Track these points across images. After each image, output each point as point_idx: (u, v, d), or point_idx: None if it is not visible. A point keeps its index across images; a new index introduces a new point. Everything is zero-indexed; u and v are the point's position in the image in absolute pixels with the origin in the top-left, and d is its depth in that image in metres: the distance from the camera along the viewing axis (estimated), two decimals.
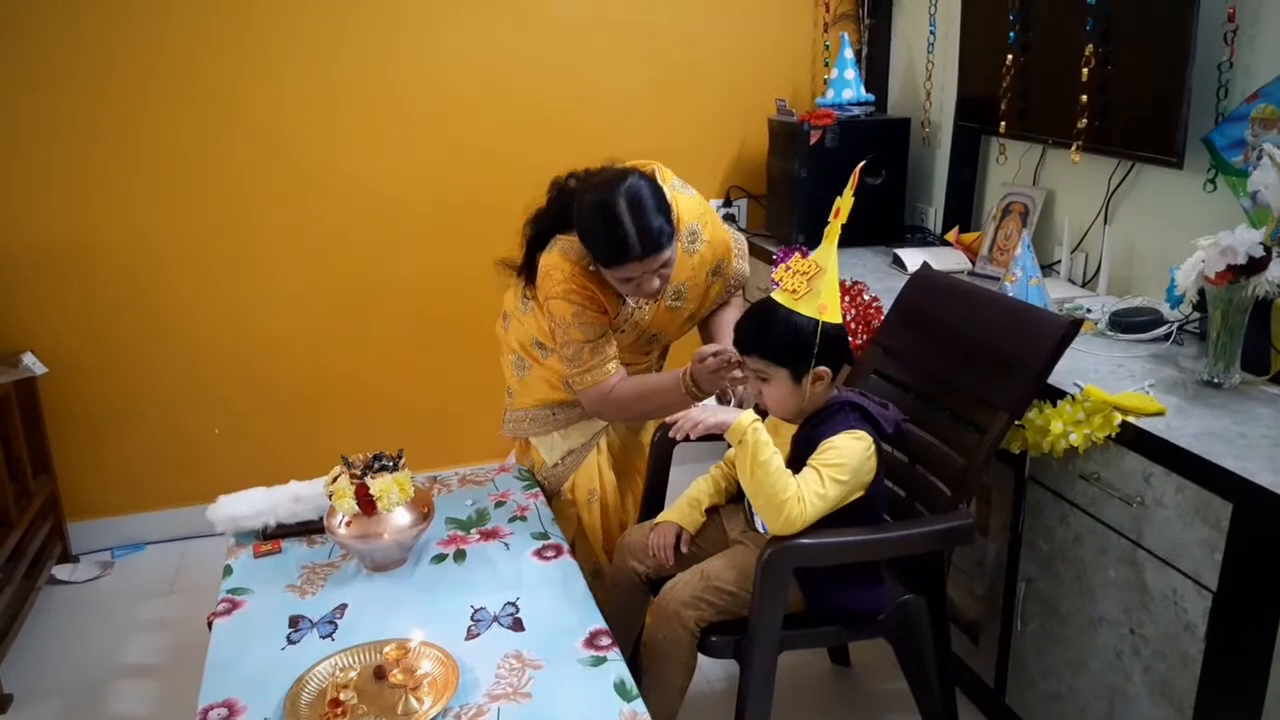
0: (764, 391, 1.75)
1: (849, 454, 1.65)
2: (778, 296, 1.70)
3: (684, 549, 1.91)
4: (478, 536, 1.95)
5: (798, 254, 1.72)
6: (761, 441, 1.62)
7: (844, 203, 1.66)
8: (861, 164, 1.76)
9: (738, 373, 1.86)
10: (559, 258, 1.97)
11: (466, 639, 1.61)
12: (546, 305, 1.99)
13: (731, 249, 2.17)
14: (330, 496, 1.81)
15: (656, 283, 1.91)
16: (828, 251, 1.67)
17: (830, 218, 1.67)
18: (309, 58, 2.84)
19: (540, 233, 2.04)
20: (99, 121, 2.73)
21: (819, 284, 1.66)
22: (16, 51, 2.62)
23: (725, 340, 2.05)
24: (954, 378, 1.92)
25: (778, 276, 1.73)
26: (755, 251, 3.12)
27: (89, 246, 2.80)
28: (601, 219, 1.85)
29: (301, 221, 2.96)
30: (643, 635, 1.87)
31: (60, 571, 2.85)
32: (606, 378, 2.00)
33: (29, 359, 2.69)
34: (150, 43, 2.71)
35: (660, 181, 1.99)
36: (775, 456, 1.62)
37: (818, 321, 1.65)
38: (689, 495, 1.98)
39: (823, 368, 1.70)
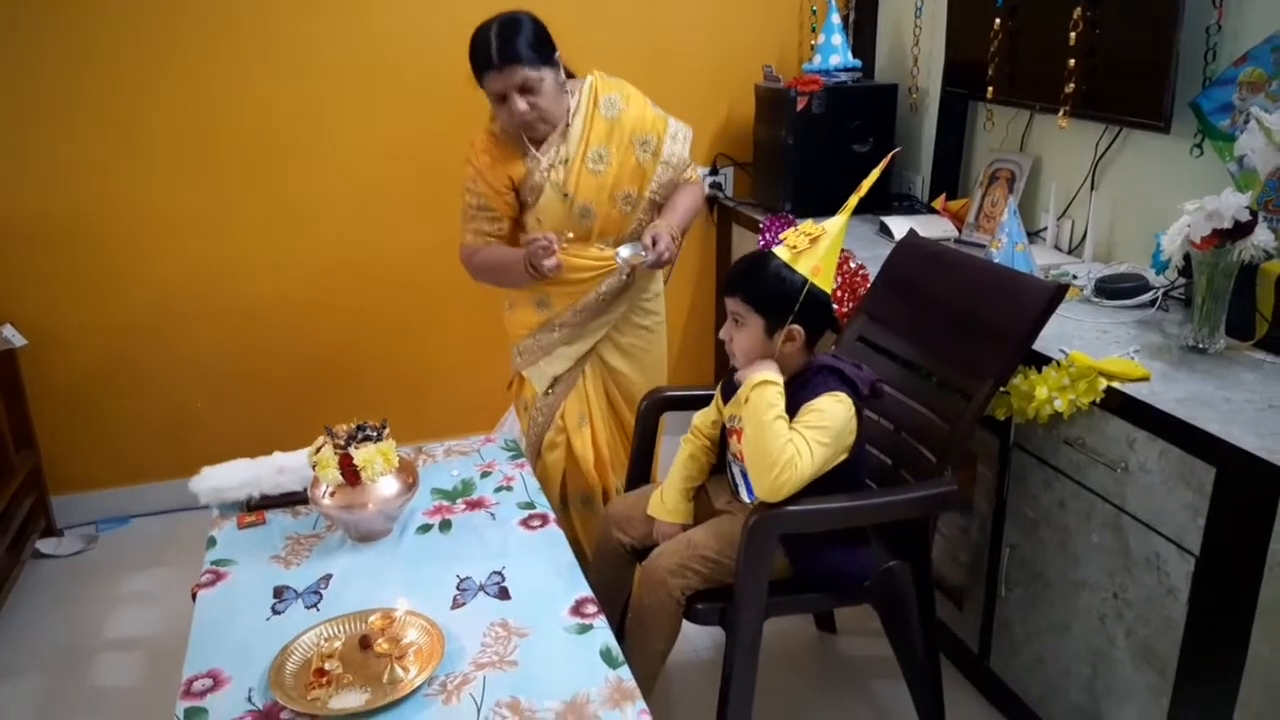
0: (734, 336, 1.76)
1: (832, 416, 1.66)
2: (779, 251, 1.71)
3: None
4: (463, 506, 1.95)
5: (810, 221, 1.75)
6: (776, 402, 1.66)
7: (869, 181, 1.70)
8: (895, 151, 1.95)
9: (551, 261, 2.01)
10: (484, 125, 2.17)
11: (452, 608, 1.61)
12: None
13: (666, 129, 2.20)
14: (314, 467, 1.80)
15: (523, 106, 2.02)
16: (838, 220, 1.68)
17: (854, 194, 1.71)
18: (292, 24, 2.79)
19: None
20: (77, 93, 2.68)
21: (820, 246, 1.66)
22: None
23: (671, 216, 2.18)
24: (940, 344, 1.92)
25: (785, 235, 1.74)
26: (742, 220, 3.10)
27: (68, 218, 2.76)
28: (475, 33, 2.02)
29: (284, 193, 2.92)
30: (629, 603, 1.88)
31: (44, 545, 2.83)
32: (474, 243, 2.21)
33: (8, 331, 2.65)
34: (129, 12, 2.65)
35: (603, 78, 2.18)
36: (783, 419, 1.65)
37: (806, 280, 1.65)
38: (680, 487, 1.93)
39: (797, 327, 1.70)
